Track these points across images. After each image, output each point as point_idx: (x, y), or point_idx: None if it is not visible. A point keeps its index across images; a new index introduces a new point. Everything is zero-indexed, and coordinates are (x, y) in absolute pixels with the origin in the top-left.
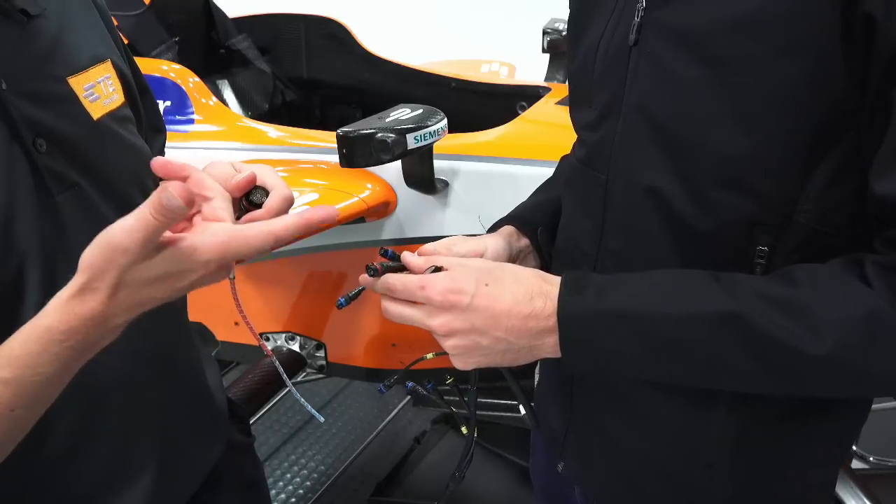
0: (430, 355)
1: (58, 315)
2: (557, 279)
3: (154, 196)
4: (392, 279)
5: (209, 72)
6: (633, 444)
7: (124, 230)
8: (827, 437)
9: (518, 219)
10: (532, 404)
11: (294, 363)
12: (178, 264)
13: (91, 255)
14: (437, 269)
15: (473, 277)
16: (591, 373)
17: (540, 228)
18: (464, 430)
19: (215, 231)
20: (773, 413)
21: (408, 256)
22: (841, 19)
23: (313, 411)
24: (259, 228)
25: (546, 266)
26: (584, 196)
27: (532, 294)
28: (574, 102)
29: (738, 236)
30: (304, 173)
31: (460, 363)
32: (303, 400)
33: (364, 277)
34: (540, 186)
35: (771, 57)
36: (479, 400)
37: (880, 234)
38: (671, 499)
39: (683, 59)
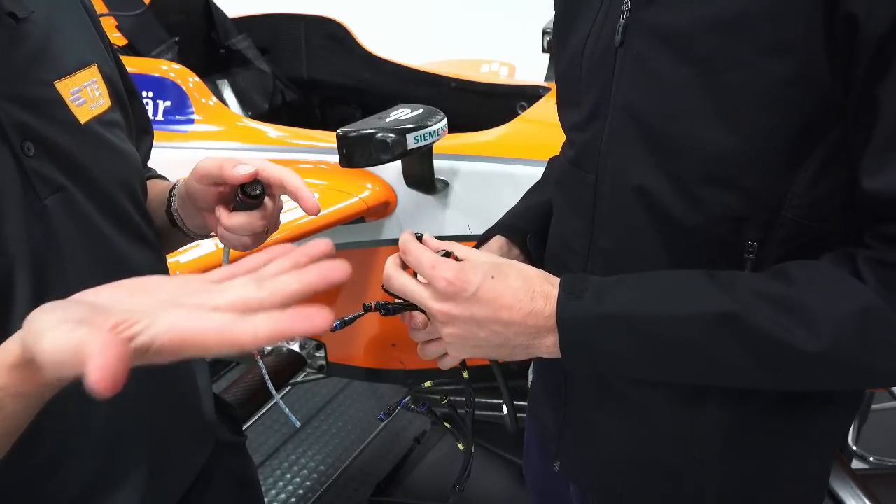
0: (427, 384)
1: (4, 379)
2: (557, 281)
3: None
4: (411, 242)
5: (209, 72)
6: (627, 440)
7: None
8: (818, 429)
9: (507, 228)
10: (514, 405)
11: (294, 363)
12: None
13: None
14: (448, 254)
15: (481, 270)
16: (590, 373)
17: (529, 235)
18: (460, 446)
19: (174, 325)
20: (764, 406)
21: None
22: (823, 18)
23: (293, 419)
24: (220, 336)
25: None
26: (573, 196)
27: (534, 293)
28: (562, 103)
29: (726, 232)
30: (304, 173)
31: (454, 351)
32: (287, 410)
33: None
34: (530, 189)
35: (754, 56)
36: (476, 400)
37: (871, 229)
38: (666, 493)
39: (669, 59)
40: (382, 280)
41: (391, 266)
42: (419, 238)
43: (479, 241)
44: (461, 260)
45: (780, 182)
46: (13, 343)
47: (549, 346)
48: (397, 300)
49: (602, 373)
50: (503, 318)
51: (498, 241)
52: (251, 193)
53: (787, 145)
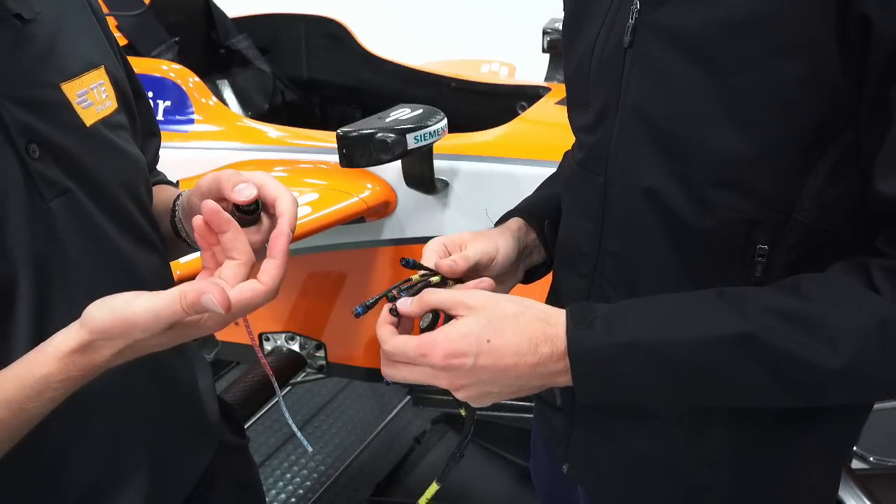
0: None
1: (57, 365)
2: (561, 318)
3: (192, 292)
4: (389, 346)
5: (209, 72)
6: (637, 445)
7: (149, 313)
8: (828, 436)
9: (526, 212)
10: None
11: (294, 363)
12: (186, 333)
13: (103, 322)
14: (436, 316)
15: (475, 336)
16: (606, 403)
17: (547, 222)
18: (462, 412)
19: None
20: (774, 413)
21: (401, 306)
22: (836, 19)
23: (302, 437)
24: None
25: (550, 259)
26: (582, 198)
27: (537, 342)
28: (571, 105)
29: (737, 235)
30: (304, 173)
31: (474, 405)
32: (291, 421)
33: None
34: (545, 181)
35: (765, 58)
36: None
37: (884, 234)
38: (675, 498)
39: (678, 61)
40: (382, 372)
41: (384, 362)
42: (393, 310)
43: (498, 221)
44: (451, 317)
45: (791, 185)
46: (73, 330)
47: (563, 382)
48: (418, 280)
49: (618, 402)
50: (510, 374)
51: (517, 222)
52: (244, 209)
53: (799, 148)
